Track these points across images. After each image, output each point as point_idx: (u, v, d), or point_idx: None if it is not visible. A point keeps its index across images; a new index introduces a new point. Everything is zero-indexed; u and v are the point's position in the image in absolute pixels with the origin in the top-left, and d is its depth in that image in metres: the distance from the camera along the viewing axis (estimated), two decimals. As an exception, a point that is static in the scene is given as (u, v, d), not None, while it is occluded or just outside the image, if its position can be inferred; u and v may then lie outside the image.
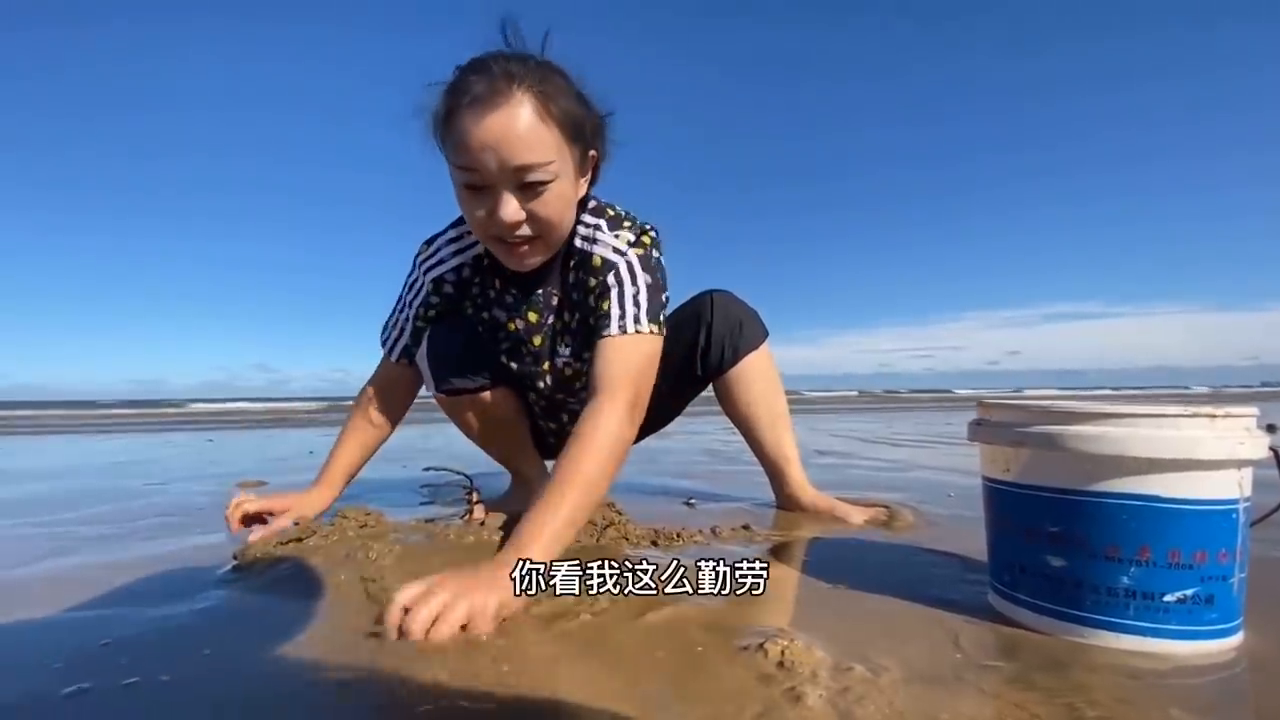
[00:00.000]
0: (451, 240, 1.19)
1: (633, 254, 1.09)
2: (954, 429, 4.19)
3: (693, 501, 1.53)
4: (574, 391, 1.30)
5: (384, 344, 1.27)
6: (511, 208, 0.95)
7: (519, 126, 0.90)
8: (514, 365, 1.26)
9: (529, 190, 0.95)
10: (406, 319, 1.24)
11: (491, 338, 1.25)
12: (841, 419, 5.98)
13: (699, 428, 4.17)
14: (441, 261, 1.19)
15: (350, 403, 1.33)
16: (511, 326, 1.21)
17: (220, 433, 5.29)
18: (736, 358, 1.33)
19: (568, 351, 1.22)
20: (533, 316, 1.19)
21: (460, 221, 1.18)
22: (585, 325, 1.16)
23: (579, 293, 1.15)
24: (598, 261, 1.10)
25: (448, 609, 0.68)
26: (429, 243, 1.21)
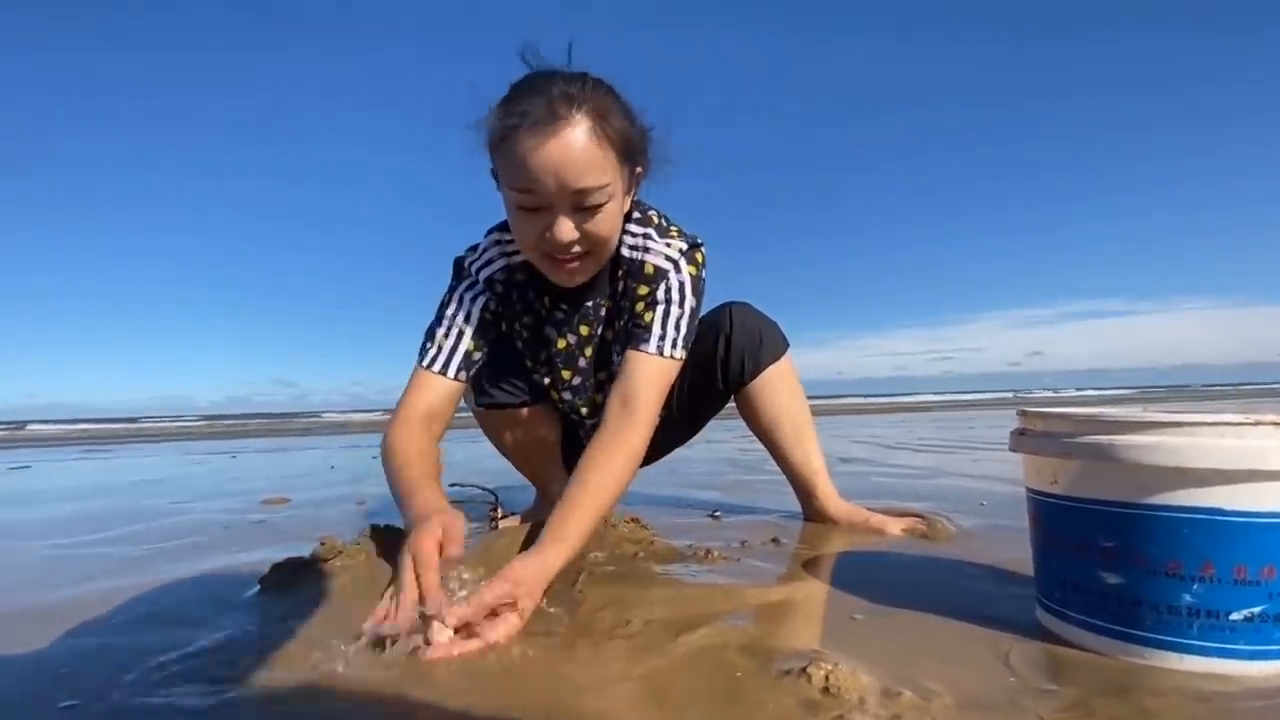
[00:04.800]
0: (496, 243, 1.15)
1: (686, 271, 1.10)
2: (978, 433, 4.11)
3: (718, 514, 1.51)
4: None
5: (429, 363, 1.09)
6: (567, 228, 0.95)
7: (578, 150, 0.90)
8: (558, 390, 1.21)
9: (584, 211, 0.95)
10: (467, 319, 1.12)
11: (534, 356, 1.20)
12: (863, 424, 5.91)
13: (718, 436, 4.13)
14: (490, 262, 1.13)
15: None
16: (562, 344, 1.17)
17: (243, 449, 5.35)
18: (757, 369, 1.31)
19: (619, 359, 1.17)
20: (584, 330, 1.16)
21: (498, 229, 1.15)
22: (634, 325, 1.13)
23: (628, 300, 1.12)
24: (650, 270, 1.09)
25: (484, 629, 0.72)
26: (473, 249, 1.16)
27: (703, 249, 1.13)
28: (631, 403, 1.00)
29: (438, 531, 0.77)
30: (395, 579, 0.78)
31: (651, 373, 1.04)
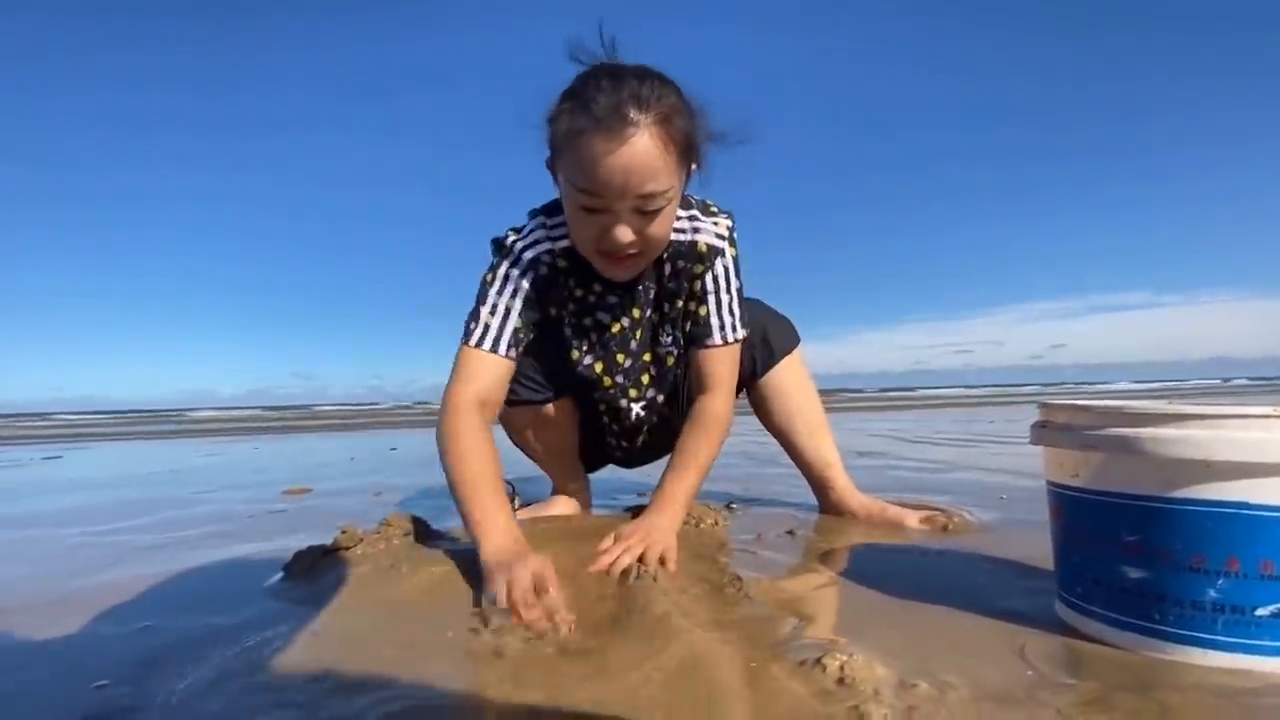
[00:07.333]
0: (541, 226, 1.13)
1: (729, 252, 1.16)
2: (996, 427, 4.07)
3: (733, 506, 1.50)
4: (669, 387, 1.28)
5: (476, 341, 1.09)
6: (626, 232, 0.97)
7: (646, 157, 0.90)
8: (611, 374, 1.21)
9: (646, 215, 0.97)
10: (514, 295, 1.11)
11: (584, 340, 1.19)
12: (881, 419, 5.87)
13: (733, 429, 4.12)
14: (537, 242, 1.12)
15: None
16: (616, 328, 1.18)
17: (264, 440, 5.44)
18: (767, 366, 1.31)
19: (669, 340, 1.21)
20: (635, 313, 1.18)
21: (542, 211, 1.14)
22: (687, 312, 1.18)
23: (680, 281, 1.16)
24: (703, 248, 1.13)
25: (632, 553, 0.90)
26: (515, 230, 1.14)
27: (732, 221, 1.17)
28: (713, 385, 1.16)
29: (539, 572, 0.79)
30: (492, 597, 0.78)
31: (723, 360, 1.17)
